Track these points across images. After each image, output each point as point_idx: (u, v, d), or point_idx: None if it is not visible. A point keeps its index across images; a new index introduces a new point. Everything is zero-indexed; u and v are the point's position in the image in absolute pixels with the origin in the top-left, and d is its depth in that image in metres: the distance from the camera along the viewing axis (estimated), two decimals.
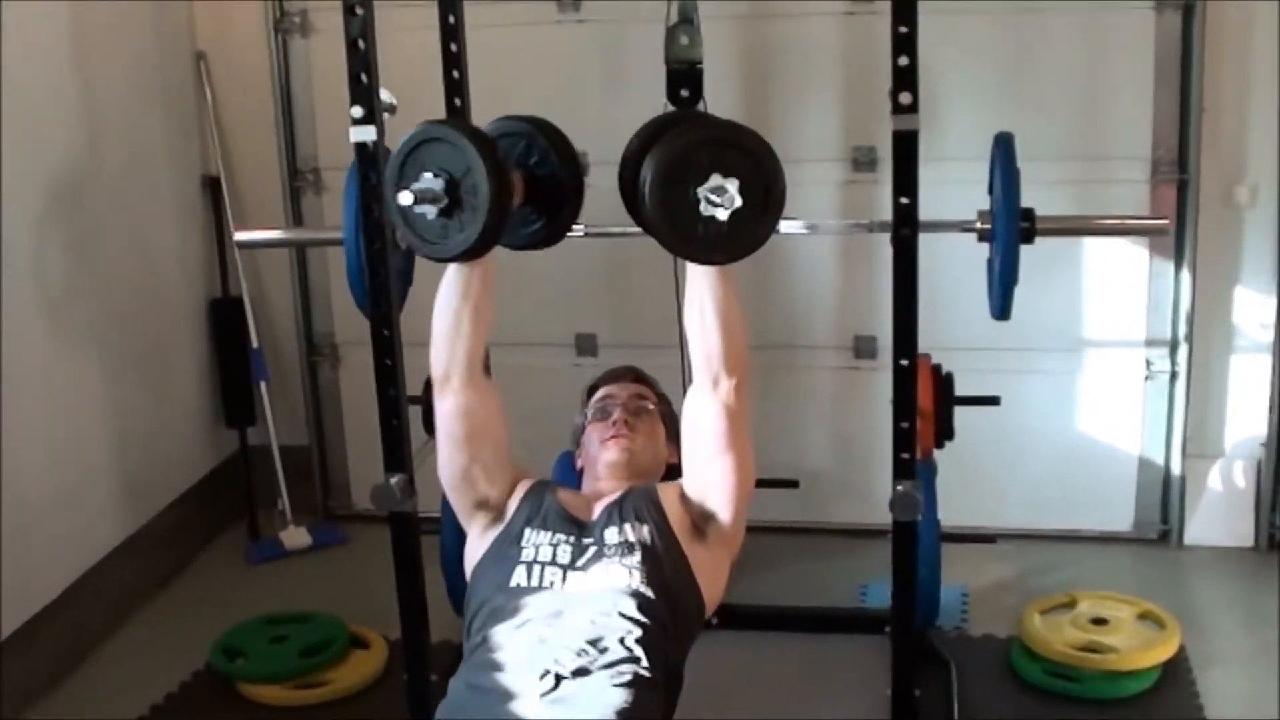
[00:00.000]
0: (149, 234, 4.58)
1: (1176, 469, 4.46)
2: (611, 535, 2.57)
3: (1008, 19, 4.26)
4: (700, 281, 2.50)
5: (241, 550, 4.81)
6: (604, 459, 2.79)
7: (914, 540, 3.14)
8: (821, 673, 3.86)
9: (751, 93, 4.40)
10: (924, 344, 3.14)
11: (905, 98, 2.83)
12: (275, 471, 4.88)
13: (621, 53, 4.40)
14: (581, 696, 2.32)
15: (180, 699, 3.86)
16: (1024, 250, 3.03)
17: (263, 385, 4.88)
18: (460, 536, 2.82)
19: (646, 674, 2.38)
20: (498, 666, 2.40)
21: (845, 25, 4.32)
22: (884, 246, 3.00)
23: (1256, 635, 3.94)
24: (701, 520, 2.63)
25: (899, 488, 3.02)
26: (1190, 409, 4.39)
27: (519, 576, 2.54)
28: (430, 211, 2.52)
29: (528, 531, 2.61)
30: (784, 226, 2.55)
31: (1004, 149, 3.08)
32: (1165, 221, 3.33)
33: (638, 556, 2.53)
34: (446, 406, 2.66)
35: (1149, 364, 4.42)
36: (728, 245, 2.43)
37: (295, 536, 4.81)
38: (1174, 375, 4.39)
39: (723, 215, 2.38)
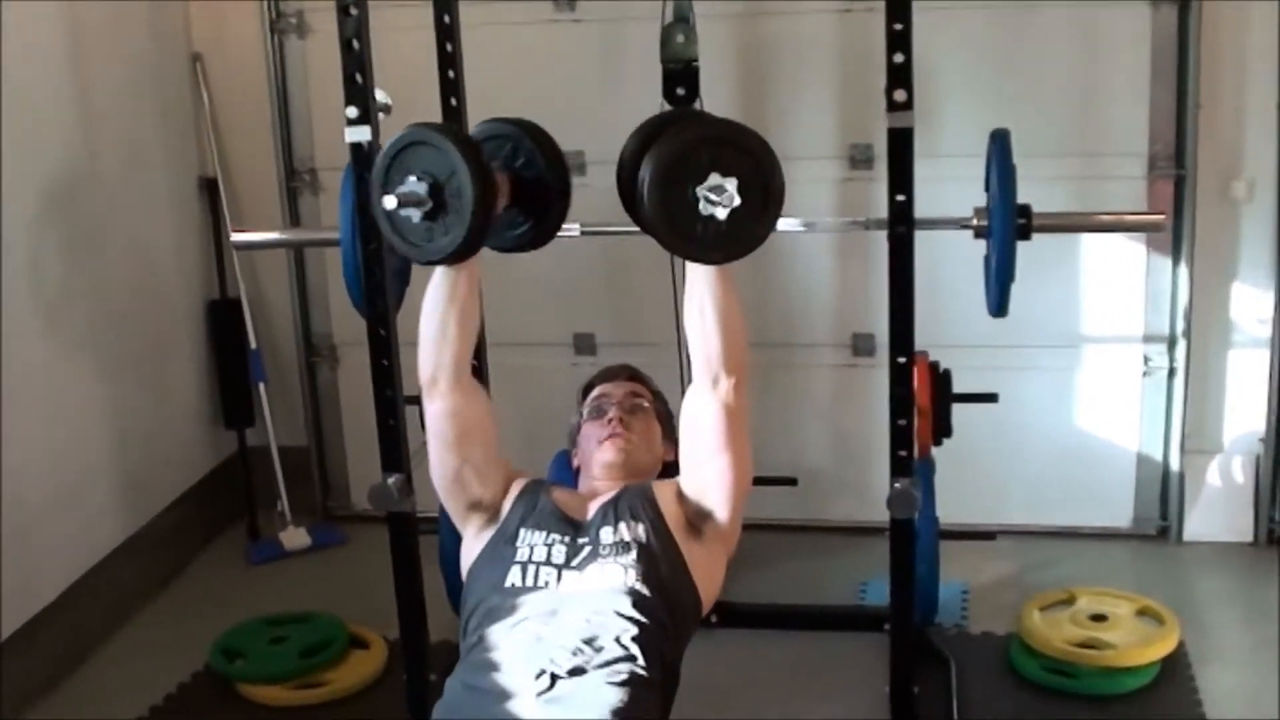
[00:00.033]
0: (146, 235, 4.58)
1: (1175, 464, 4.46)
2: (607, 534, 2.57)
3: (1004, 15, 4.25)
4: (700, 281, 2.50)
5: (241, 551, 4.81)
6: (600, 459, 2.79)
7: (912, 538, 3.15)
8: (821, 671, 3.86)
9: (748, 91, 4.40)
10: (922, 341, 3.15)
11: (900, 95, 2.84)
12: (274, 472, 4.88)
13: (617, 52, 4.40)
14: (577, 696, 2.32)
15: (180, 700, 3.86)
16: (1021, 247, 3.03)
17: (261, 386, 4.88)
18: (459, 536, 2.82)
19: (643, 673, 2.38)
20: (494, 666, 2.41)
21: (841, 22, 4.31)
22: (881, 244, 3.00)
23: (1256, 631, 3.94)
24: (698, 518, 2.63)
25: (896, 485, 3.03)
26: (1189, 404, 4.39)
27: (514, 576, 2.55)
28: (415, 215, 2.52)
29: (522, 531, 2.62)
30: (781, 224, 2.55)
31: (1000, 145, 3.09)
32: (1162, 217, 3.32)
33: (633, 555, 2.53)
34: (434, 409, 2.66)
35: (1147, 360, 4.42)
36: (727, 244, 2.43)
37: (295, 537, 4.81)
38: (1172, 371, 4.39)
39: (722, 214, 2.38)
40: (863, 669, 3.71)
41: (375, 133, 2.95)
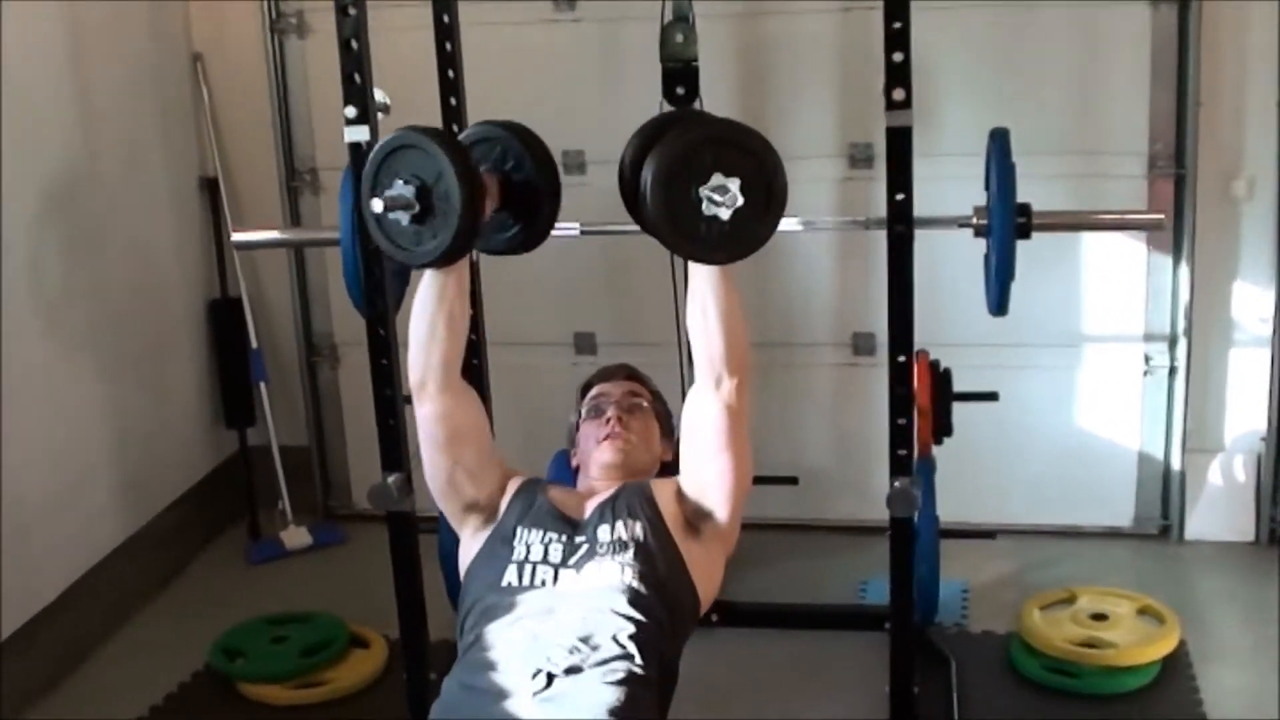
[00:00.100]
0: (147, 235, 4.58)
1: (1176, 464, 4.45)
2: (604, 533, 2.57)
3: (1004, 14, 4.25)
4: (702, 282, 2.49)
5: (242, 550, 4.81)
6: (599, 459, 2.79)
7: (912, 537, 3.15)
8: (821, 670, 3.86)
9: (748, 90, 4.40)
10: (922, 340, 3.14)
11: (898, 94, 2.84)
12: (275, 471, 4.88)
13: (617, 51, 4.40)
14: (574, 695, 2.31)
15: (180, 699, 3.86)
16: (1022, 245, 3.03)
17: (262, 386, 4.88)
18: (458, 536, 2.81)
19: (640, 671, 2.38)
20: (490, 665, 2.40)
21: (841, 21, 4.31)
22: (881, 243, 3.00)
23: (1257, 630, 3.93)
24: (697, 517, 2.63)
25: (896, 484, 3.03)
26: (1190, 404, 4.39)
27: (511, 575, 2.54)
28: (403, 218, 2.52)
29: (519, 530, 2.61)
30: (781, 224, 2.55)
31: (999, 144, 3.08)
32: (1162, 216, 3.31)
33: (631, 553, 2.53)
34: (424, 412, 2.66)
35: (1148, 359, 4.41)
36: (730, 245, 2.43)
37: (295, 536, 4.82)
38: (1173, 370, 4.39)
39: (725, 215, 2.38)
40: (863, 668, 3.71)
41: (374, 132, 2.94)
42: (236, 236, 3.74)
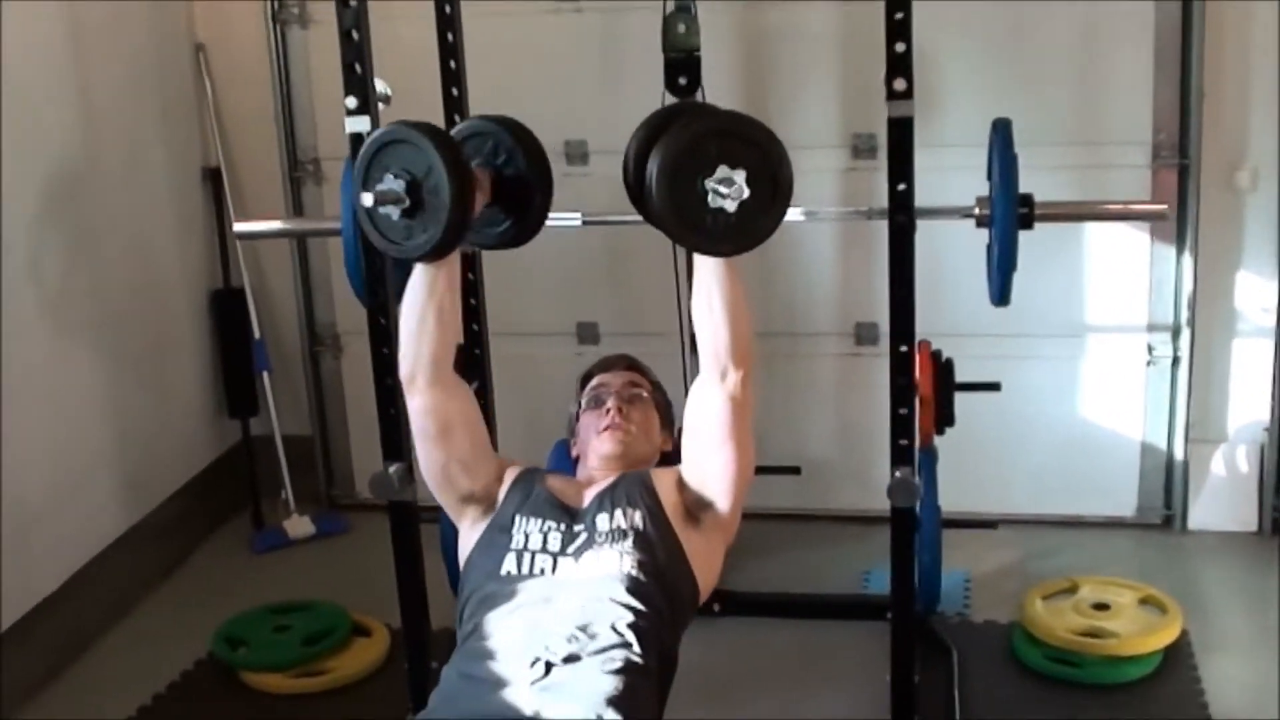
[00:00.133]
0: (149, 226, 4.58)
1: (1179, 454, 4.45)
2: (603, 522, 2.57)
3: (1008, 4, 4.24)
4: (708, 274, 2.49)
5: (245, 539, 4.82)
6: (598, 450, 2.78)
7: (913, 526, 3.15)
8: (823, 659, 3.86)
9: (750, 80, 4.40)
10: (925, 330, 3.14)
11: (900, 84, 2.83)
12: (278, 461, 4.89)
13: (619, 41, 4.39)
14: (572, 684, 2.31)
15: (182, 688, 3.87)
16: (1026, 236, 3.02)
17: (265, 375, 4.89)
18: None
19: (638, 660, 2.38)
20: (489, 654, 2.40)
21: (844, 11, 4.31)
22: (884, 233, 2.99)
23: (1259, 620, 3.94)
24: (697, 507, 2.62)
25: (897, 474, 3.02)
26: (1193, 394, 4.39)
27: (509, 564, 2.54)
28: (394, 212, 2.52)
29: (517, 519, 2.61)
30: None
31: (1002, 135, 3.07)
32: (1164, 207, 3.30)
33: (630, 542, 2.53)
34: (414, 406, 2.66)
35: (1151, 349, 4.41)
36: (736, 236, 2.42)
37: (299, 525, 4.82)
38: (1176, 360, 4.39)
39: (731, 206, 2.37)
40: (865, 658, 3.71)
41: (375, 123, 2.95)
42: (238, 226, 3.74)
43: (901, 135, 2.88)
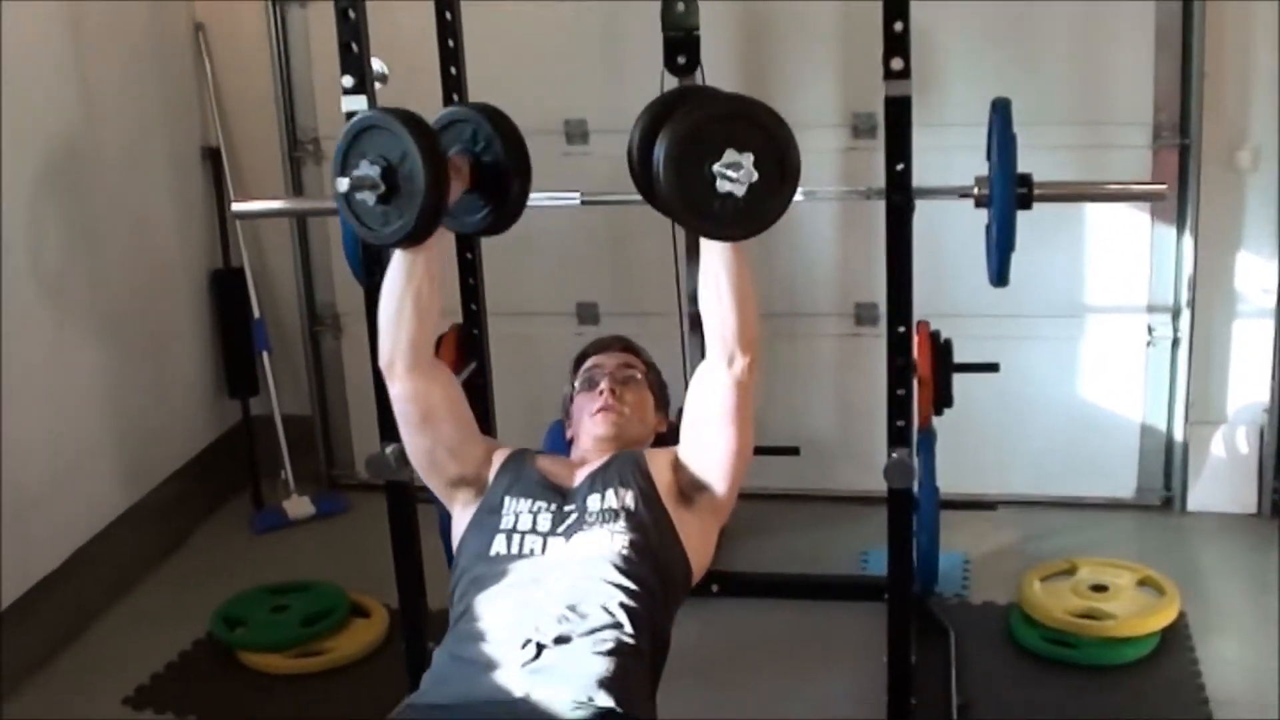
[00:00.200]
0: (149, 206, 4.58)
1: (1179, 435, 4.45)
2: (594, 502, 2.56)
3: None
4: (715, 259, 2.47)
5: (245, 519, 4.83)
6: (592, 431, 2.77)
7: (910, 507, 3.15)
8: (822, 640, 3.87)
9: (750, 59, 4.38)
10: (924, 310, 3.14)
11: (897, 63, 2.82)
12: (278, 441, 4.89)
13: (619, 20, 4.37)
14: (563, 666, 2.31)
15: (180, 668, 3.88)
16: (1026, 216, 3.01)
17: (265, 355, 4.89)
18: None
19: (630, 641, 2.37)
20: (480, 636, 2.40)
21: None
22: (884, 213, 2.99)
23: (1258, 602, 3.94)
24: (692, 488, 2.62)
25: (893, 455, 3.03)
26: (1193, 375, 4.38)
27: (499, 545, 2.54)
28: (370, 198, 2.51)
29: (507, 500, 2.61)
30: None
31: (1001, 114, 3.06)
32: (1163, 186, 3.29)
33: (621, 522, 2.52)
34: (394, 392, 2.65)
35: (1151, 330, 4.40)
36: (745, 220, 2.41)
37: (298, 506, 4.83)
38: (1176, 341, 4.38)
39: (740, 191, 2.35)
40: (863, 638, 3.71)
41: (372, 102, 2.94)
42: (237, 206, 3.74)
43: (899, 115, 2.88)
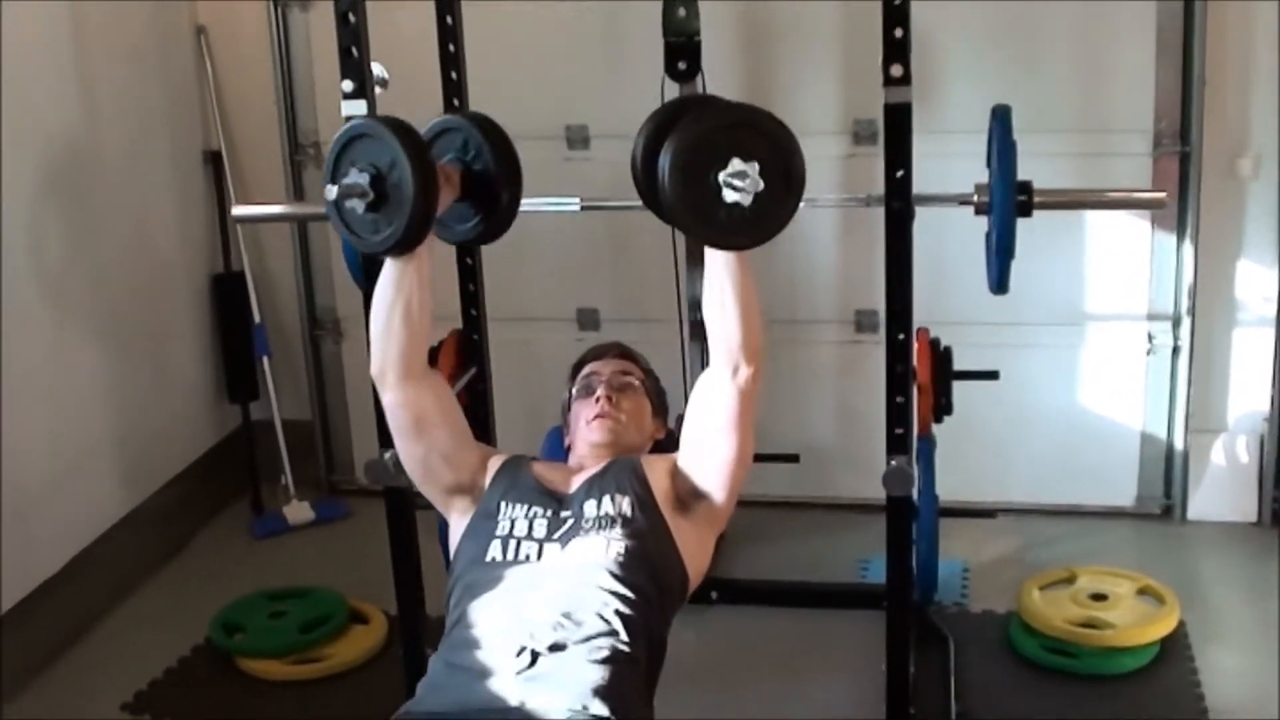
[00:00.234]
0: (150, 209, 4.57)
1: (1179, 444, 4.44)
2: (590, 508, 2.55)
3: None
4: (720, 268, 2.47)
5: (245, 525, 4.82)
6: (588, 438, 2.77)
7: (908, 515, 3.15)
8: (820, 648, 3.86)
9: (750, 65, 4.38)
10: (924, 318, 3.13)
11: (897, 70, 2.83)
12: (278, 446, 4.88)
13: (620, 25, 4.37)
14: (558, 674, 2.30)
15: (179, 674, 3.87)
16: (1027, 223, 3.01)
17: (265, 360, 4.88)
18: None
19: (625, 648, 2.37)
20: (474, 643, 2.39)
21: None
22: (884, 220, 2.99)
23: (1258, 611, 3.93)
24: (691, 496, 2.61)
25: (892, 463, 3.03)
26: (1193, 383, 4.37)
27: (494, 550, 2.53)
28: (359, 206, 2.52)
29: (503, 505, 2.60)
30: None
31: (1001, 122, 3.06)
32: (1162, 195, 3.29)
33: (618, 529, 2.51)
34: (387, 401, 2.65)
35: (1151, 338, 4.39)
36: (751, 229, 2.40)
37: (298, 511, 4.82)
38: (1176, 349, 4.37)
39: (746, 200, 2.35)
40: (862, 647, 3.69)
41: (372, 107, 2.94)
42: (237, 210, 3.74)
43: (898, 121, 2.88)
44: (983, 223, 3.16)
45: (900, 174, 2.91)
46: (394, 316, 2.59)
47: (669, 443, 2.75)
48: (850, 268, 4.50)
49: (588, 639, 2.35)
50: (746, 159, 2.33)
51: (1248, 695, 3.53)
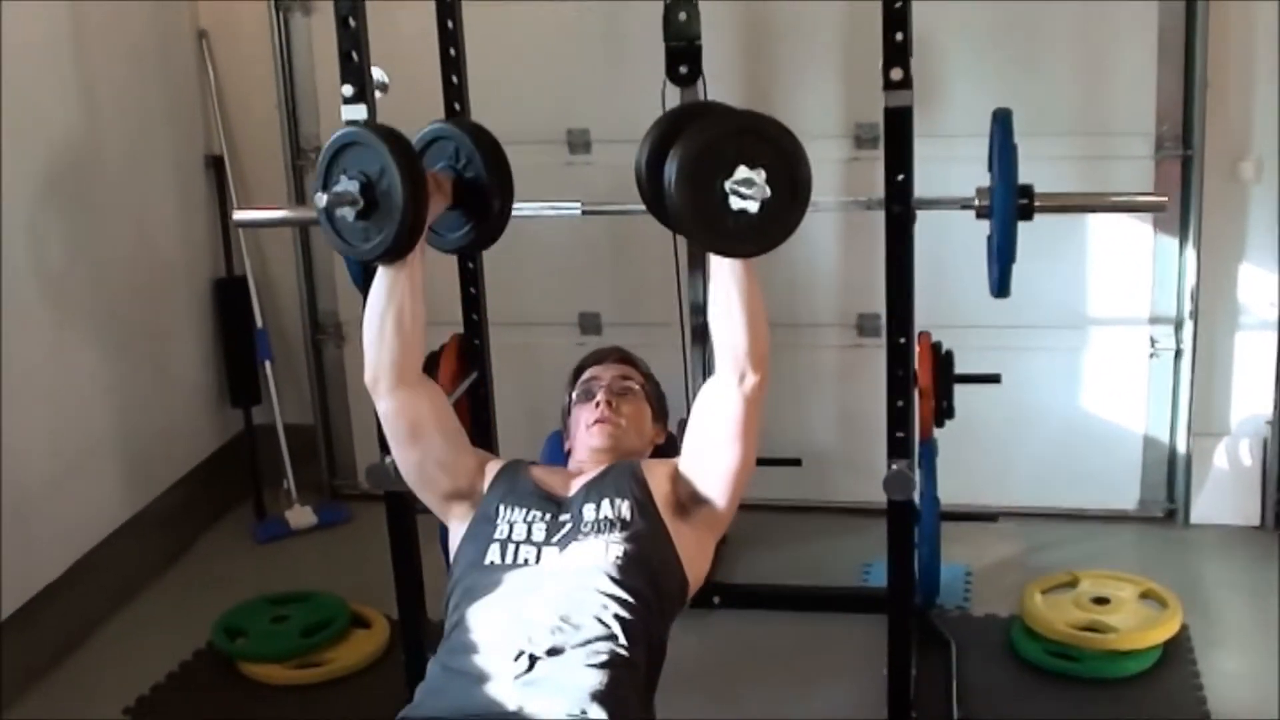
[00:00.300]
0: (152, 213, 4.57)
1: (1182, 447, 4.44)
2: (589, 512, 2.55)
3: None
4: (726, 276, 2.47)
5: (247, 529, 4.82)
6: (588, 443, 2.77)
7: (910, 519, 3.15)
8: (822, 652, 3.85)
9: (752, 69, 4.38)
10: (926, 321, 3.13)
11: (897, 73, 2.83)
12: (280, 450, 4.88)
13: (620, 29, 4.37)
14: (556, 678, 2.30)
15: (181, 678, 3.87)
16: (1027, 227, 3.01)
17: (267, 364, 4.88)
18: None
19: (624, 652, 2.36)
20: (472, 648, 2.39)
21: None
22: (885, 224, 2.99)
23: (1260, 615, 3.92)
24: (691, 501, 2.61)
25: (893, 467, 3.03)
26: (1195, 386, 4.36)
27: (493, 554, 2.53)
28: (349, 214, 2.52)
29: (501, 509, 2.60)
30: None
31: (1002, 125, 3.06)
32: (1163, 198, 3.28)
33: (617, 532, 2.50)
34: (381, 409, 2.65)
35: (1154, 341, 4.39)
36: (758, 237, 2.40)
37: (300, 515, 4.82)
38: (1179, 353, 4.36)
39: (753, 207, 2.35)
40: (864, 651, 3.69)
41: (372, 111, 2.94)
42: (238, 215, 3.74)
43: (899, 125, 2.88)
44: (984, 226, 3.16)
45: (901, 178, 2.92)
46: (386, 324, 2.59)
47: (669, 447, 2.75)
48: (851, 271, 4.49)
49: (586, 643, 2.35)
50: (753, 166, 2.33)
51: (1250, 699, 3.53)
